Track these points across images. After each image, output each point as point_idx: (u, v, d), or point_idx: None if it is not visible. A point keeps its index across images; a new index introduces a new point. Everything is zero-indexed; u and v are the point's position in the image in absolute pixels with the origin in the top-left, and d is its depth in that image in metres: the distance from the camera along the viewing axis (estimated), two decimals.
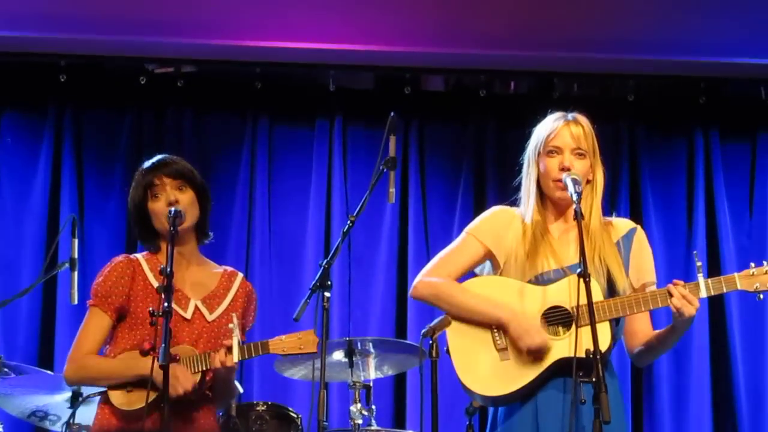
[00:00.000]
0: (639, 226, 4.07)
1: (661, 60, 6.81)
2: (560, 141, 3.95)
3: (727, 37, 6.62)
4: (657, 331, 3.97)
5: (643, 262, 4.00)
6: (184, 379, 3.75)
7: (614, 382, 3.91)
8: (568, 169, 3.91)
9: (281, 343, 3.87)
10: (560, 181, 3.90)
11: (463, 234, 4.08)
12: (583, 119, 4.01)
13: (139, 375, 3.77)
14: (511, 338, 3.86)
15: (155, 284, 3.90)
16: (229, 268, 4.11)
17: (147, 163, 4.03)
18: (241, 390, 5.19)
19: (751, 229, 7.03)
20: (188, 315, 3.90)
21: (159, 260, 3.96)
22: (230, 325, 3.84)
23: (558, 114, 4.04)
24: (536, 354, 3.82)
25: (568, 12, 6.50)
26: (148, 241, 4.03)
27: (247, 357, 3.84)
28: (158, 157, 4.05)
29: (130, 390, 3.82)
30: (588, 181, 3.98)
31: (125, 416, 3.81)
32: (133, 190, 4.00)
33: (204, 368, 3.82)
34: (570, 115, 4.02)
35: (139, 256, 4.02)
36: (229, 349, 3.79)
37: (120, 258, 4.00)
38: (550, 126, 4.00)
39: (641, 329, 3.99)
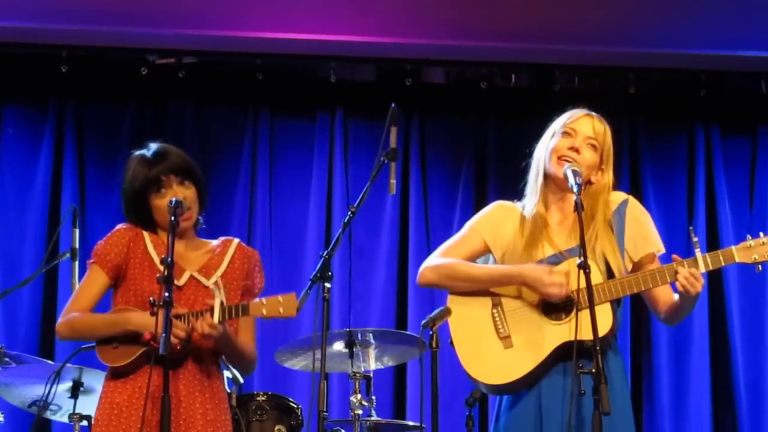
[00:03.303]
0: (631, 197, 4.08)
1: (662, 53, 6.81)
2: (578, 125, 4.01)
3: (728, 29, 6.61)
4: (674, 301, 3.98)
5: (640, 232, 4.01)
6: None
7: (618, 359, 3.94)
8: (577, 151, 3.95)
9: (261, 306, 3.78)
10: (565, 158, 3.93)
11: (465, 227, 4.14)
12: (607, 124, 4.05)
13: (126, 329, 3.73)
14: (532, 288, 3.87)
15: (155, 257, 3.87)
16: (226, 237, 4.06)
17: (148, 153, 3.92)
18: (242, 380, 5.20)
19: (752, 223, 7.02)
20: (180, 283, 3.86)
21: (160, 237, 3.92)
22: (211, 287, 3.81)
23: (585, 109, 4.09)
24: (562, 286, 3.81)
25: (570, 4, 6.51)
26: (145, 222, 3.95)
27: (227, 318, 3.76)
28: (157, 146, 3.95)
29: (116, 346, 3.78)
30: (590, 182, 4.00)
31: (121, 374, 3.78)
32: (131, 178, 3.90)
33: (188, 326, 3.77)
34: (596, 114, 4.07)
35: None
36: (211, 310, 3.75)
37: (124, 225, 3.95)
38: (573, 112, 4.06)
39: (662, 296, 3.99)
